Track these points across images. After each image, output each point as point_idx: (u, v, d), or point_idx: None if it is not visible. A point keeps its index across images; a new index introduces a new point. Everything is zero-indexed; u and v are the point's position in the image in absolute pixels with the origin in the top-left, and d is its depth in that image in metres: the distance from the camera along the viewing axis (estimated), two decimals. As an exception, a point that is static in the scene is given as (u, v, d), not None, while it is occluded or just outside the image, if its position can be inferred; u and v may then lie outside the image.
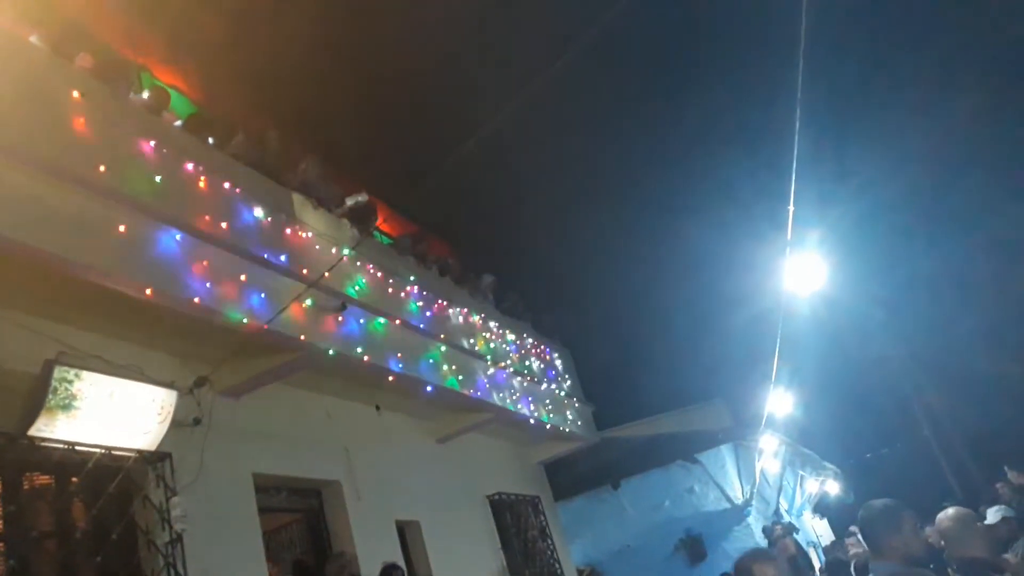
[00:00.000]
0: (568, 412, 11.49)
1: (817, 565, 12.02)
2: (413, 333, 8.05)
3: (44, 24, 5.23)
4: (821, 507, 18.91)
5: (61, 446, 4.77)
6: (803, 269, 6.51)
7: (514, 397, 9.82)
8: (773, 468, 15.05)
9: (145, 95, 5.66)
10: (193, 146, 6.02)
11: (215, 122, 6.82)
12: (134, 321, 5.36)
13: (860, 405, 22.26)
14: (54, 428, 4.71)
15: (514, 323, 11.04)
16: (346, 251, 7.12)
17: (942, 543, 4.59)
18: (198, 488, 5.63)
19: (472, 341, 9.35)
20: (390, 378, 7.51)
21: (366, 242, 7.76)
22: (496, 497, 10.16)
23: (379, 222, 9.11)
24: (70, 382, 4.75)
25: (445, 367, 8.45)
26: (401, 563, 7.26)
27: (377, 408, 8.47)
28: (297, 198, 7.05)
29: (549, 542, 11.16)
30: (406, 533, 8.30)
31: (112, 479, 5.05)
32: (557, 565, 11.01)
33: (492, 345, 9.90)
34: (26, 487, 4.74)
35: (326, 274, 6.39)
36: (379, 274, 7.91)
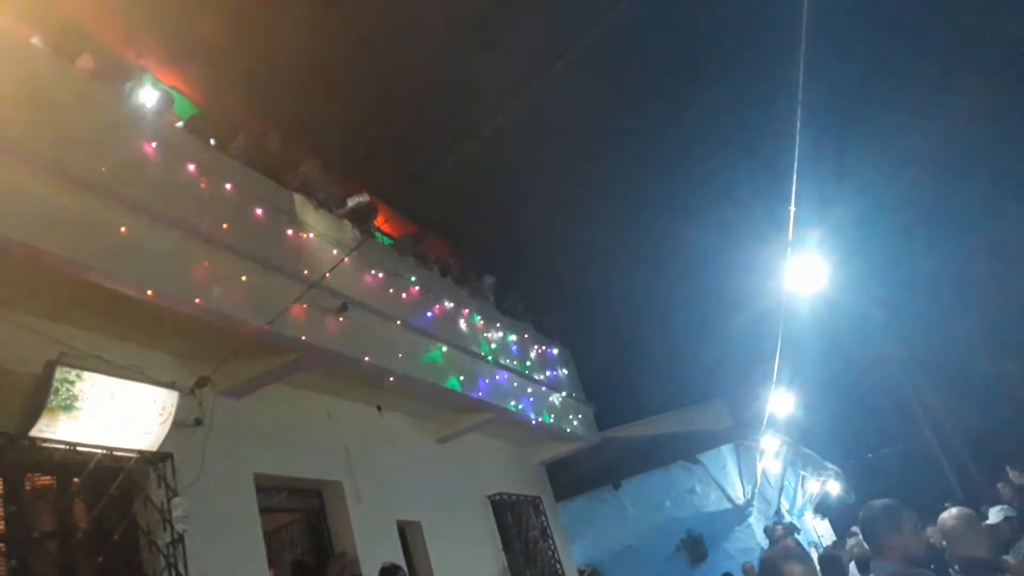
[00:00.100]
0: (569, 412, 11.49)
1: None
2: (414, 333, 8.06)
3: (45, 25, 5.24)
4: (822, 507, 18.92)
5: (62, 447, 4.77)
6: (804, 269, 6.52)
7: (515, 397, 9.82)
8: (774, 468, 15.06)
9: (147, 96, 5.65)
10: (194, 147, 6.02)
11: (216, 123, 6.82)
12: (135, 322, 5.37)
13: (861, 405, 22.26)
14: (55, 429, 4.71)
15: (515, 323, 11.04)
16: (347, 251, 7.12)
17: (943, 543, 4.59)
18: (199, 488, 5.64)
19: (473, 341, 9.34)
20: (391, 379, 7.52)
21: (367, 243, 7.77)
22: (497, 497, 10.16)
23: (380, 222, 9.13)
24: (71, 383, 4.75)
25: (446, 368, 8.46)
26: (402, 563, 7.27)
27: (378, 408, 8.48)
28: (298, 199, 7.05)
29: (550, 542, 11.16)
30: (407, 533, 8.31)
31: (113, 479, 5.06)
32: (558, 565, 11.02)
33: (493, 345, 9.91)
34: (27, 488, 4.74)
35: (327, 275, 6.40)
36: (380, 275, 7.91)
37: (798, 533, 13.47)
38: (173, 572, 5.20)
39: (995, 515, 6.60)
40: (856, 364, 21.14)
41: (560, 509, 12.63)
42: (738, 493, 14.16)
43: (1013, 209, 16.49)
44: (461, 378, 8.65)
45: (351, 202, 7.99)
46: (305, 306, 6.26)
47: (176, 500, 5.38)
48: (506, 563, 9.71)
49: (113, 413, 5.01)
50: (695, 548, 13.85)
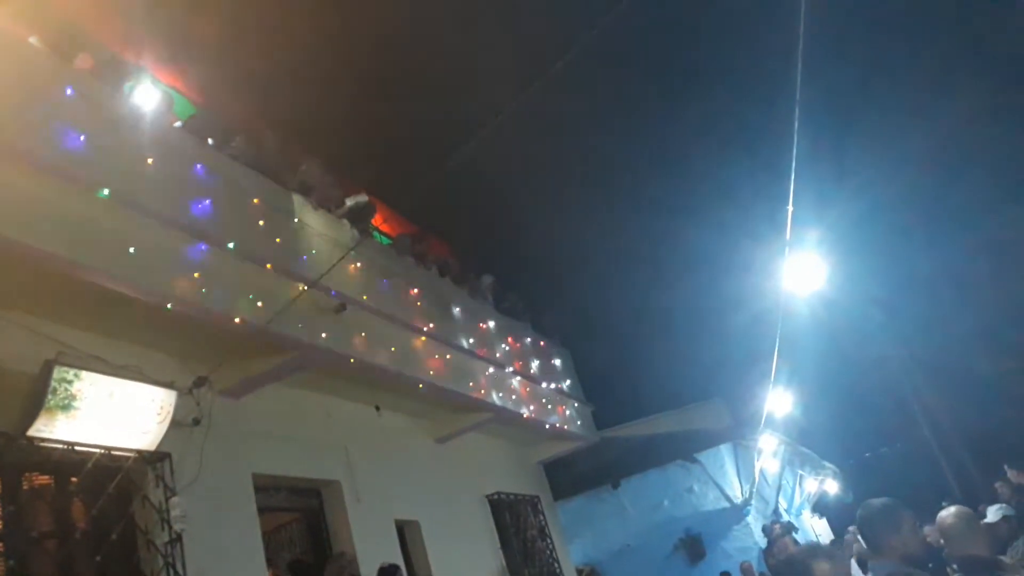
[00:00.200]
0: (567, 412, 11.50)
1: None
2: (412, 333, 8.06)
3: (43, 25, 5.23)
4: (820, 506, 18.92)
5: (60, 446, 4.77)
6: (802, 269, 6.52)
7: (513, 397, 9.82)
8: (772, 467, 15.06)
9: (146, 96, 5.65)
10: (193, 147, 6.02)
11: (215, 123, 6.81)
12: (133, 321, 5.37)
13: (859, 405, 22.24)
14: (54, 428, 4.71)
15: (513, 323, 11.04)
16: (345, 251, 7.12)
17: (942, 542, 4.59)
18: (197, 488, 5.64)
19: (472, 341, 9.34)
20: (392, 376, 7.52)
21: (366, 242, 7.77)
22: (495, 497, 10.17)
23: (378, 222, 9.13)
24: (69, 382, 4.75)
25: (445, 367, 8.45)
26: (400, 563, 7.27)
27: (377, 408, 8.48)
28: (297, 199, 7.05)
29: (548, 542, 11.16)
30: (405, 533, 8.31)
31: (111, 479, 5.06)
32: (556, 565, 11.02)
33: (491, 345, 9.91)
34: (26, 487, 4.75)
35: (326, 274, 6.40)
36: (378, 274, 7.91)
37: (796, 532, 13.46)
38: (171, 572, 5.20)
39: (993, 514, 6.60)
40: (854, 363, 21.14)
41: (558, 508, 12.63)
42: (736, 492, 14.16)
43: (1012, 209, 16.51)
44: (460, 377, 8.65)
45: (350, 202, 7.99)
46: (304, 306, 6.26)
47: (174, 500, 5.38)
48: (504, 562, 9.71)
49: (111, 413, 5.01)
50: (693, 547, 13.85)
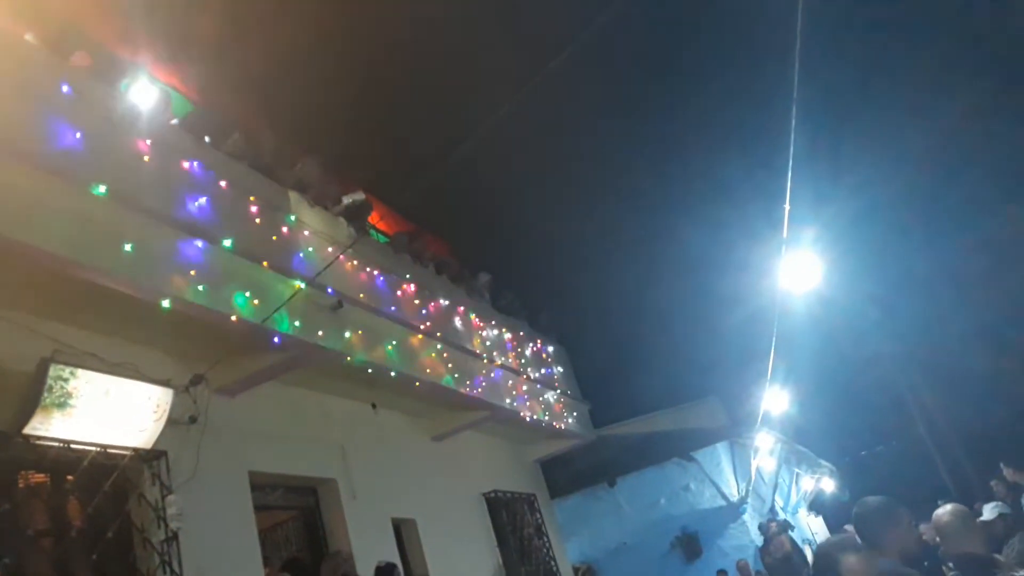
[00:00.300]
0: (564, 410, 11.50)
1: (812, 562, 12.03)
2: (409, 331, 8.05)
3: (39, 22, 5.21)
4: (816, 505, 18.94)
5: (56, 444, 4.76)
6: (798, 267, 6.52)
7: (510, 395, 9.82)
8: (768, 466, 15.07)
9: (143, 94, 5.63)
10: (189, 144, 6.01)
11: (212, 121, 6.80)
12: (129, 319, 5.36)
13: (855, 403, 22.29)
14: (49, 426, 4.70)
15: (510, 321, 11.04)
16: (342, 249, 7.11)
17: (937, 539, 4.60)
18: (194, 486, 5.63)
19: (468, 339, 9.34)
20: (392, 374, 7.51)
21: (363, 240, 7.76)
22: (492, 495, 10.17)
23: (375, 220, 9.12)
24: (65, 380, 4.74)
25: (441, 365, 8.45)
26: (397, 561, 7.27)
27: (373, 406, 8.47)
28: (293, 196, 7.04)
29: (545, 540, 11.17)
30: (402, 531, 8.31)
31: (108, 477, 5.05)
32: (553, 563, 11.03)
33: (488, 343, 9.90)
34: (21, 485, 4.73)
35: (322, 271, 6.39)
36: (375, 272, 7.90)
37: (792, 530, 13.48)
38: (167, 570, 5.19)
39: (989, 512, 6.62)
40: (851, 362, 21.18)
41: (555, 506, 12.64)
42: (732, 490, 14.18)
43: (1008, 207, 16.54)
44: (456, 376, 8.65)
45: (346, 199, 7.98)
46: (300, 304, 6.25)
47: (170, 498, 5.37)
48: (501, 561, 9.71)
49: (107, 411, 5.00)
50: (690, 545, 13.87)
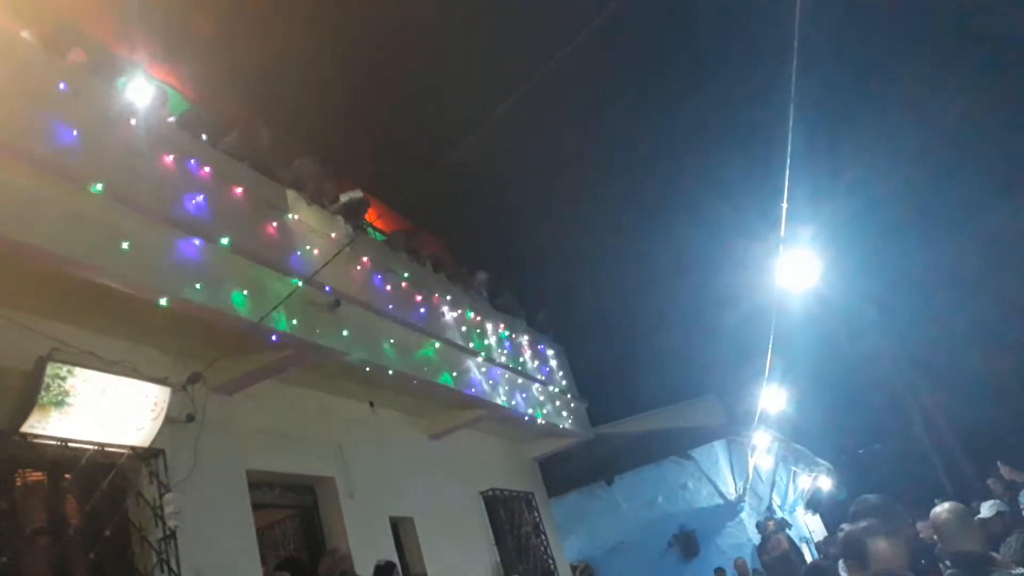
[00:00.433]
0: (562, 408, 11.50)
1: (809, 559, 12.06)
2: (407, 330, 8.05)
3: (36, 19, 5.20)
4: (813, 503, 18.96)
5: (54, 443, 4.76)
6: (796, 266, 6.52)
7: (508, 394, 9.82)
8: (766, 464, 15.08)
9: (139, 91, 5.62)
10: (186, 142, 6.00)
11: (209, 119, 6.79)
12: (127, 317, 5.35)
13: (853, 401, 22.34)
14: (47, 425, 4.69)
15: (508, 319, 11.03)
16: (339, 247, 7.10)
17: (935, 538, 4.61)
18: (191, 484, 5.62)
19: (466, 337, 9.34)
20: (389, 372, 7.50)
21: (360, 238, 7.75)
22: (490, 493, 10.17)
23: (372, 218, 9.11)
24: (63, 378, 4.73)
25: (439, 364, 8.45)
26: (395, 559, 7.27)
27: (371, 405, 8.47)
28: (291, 194, 7.03)
29: (543, 538, 11.17)
30: (400, 529, 8.30)
31: (105, 476, 5.05)
32: (551, 561, 11.03)
33: (486, 341, 9.90)
34: (19, 484, 4.73)
35: (320, 270, 6.38)
36: (372, 270, 7.90)
37: (789, 528, 13.51)
38: (165, 568, 5.19)
39: (988, 509, 6.64)
40: (848, 360, 21.23)
41: (553, 505, 12.64)
42: (730, 489, 14.19)
43: (1005, 205, 16.57)
44: (454, 374, 8.64)
45: (344, 197, 7.97)
46: (297, 302, 6.24)
47: (168, 496, 5.37)
48: (499, 559, 9.72)
49: (105, 409, 4.99)
50: (687, 543, 13.87)
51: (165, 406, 5.41)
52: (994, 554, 5.21)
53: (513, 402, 9.88)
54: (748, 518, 13.87)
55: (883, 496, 3.75)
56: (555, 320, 12.75)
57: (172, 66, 7.79)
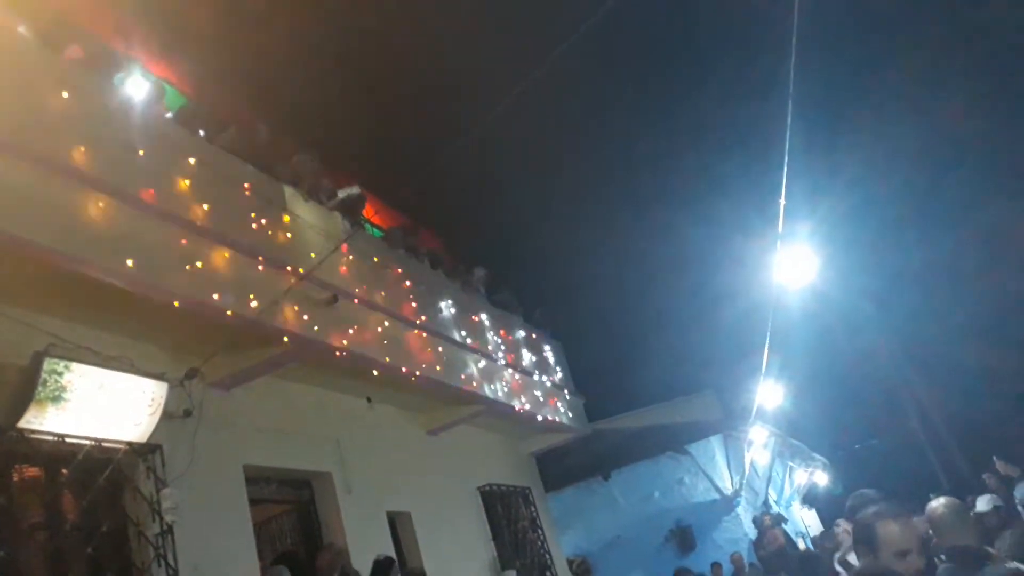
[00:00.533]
0: (559, 404, 11.52)
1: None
2: (404, 325, 8.05)
3: (33, 15, 5.19)
4: (810, 498, 19.01)
5: (51, 438, 4.76)
6: (794, 262, 6.52)
7: (505, 389, 9.83)
8: (762, 459, 15.12)
9: (136, 87, 5.61)
10: (183, 138, 5.99)
11: (206, 115, 6.78)
12: (124, 313, 5.35)
13: (849, 397, 22.38)
14: (44, 420, 4.69)
15: (506, 316, 11.04)
16: (337, 243, 7.10)
17: (930, 532, 4.62)
18: (189, 480, 5.62)
19: (463, 333, 9.34)
20: (375, 371, 7.50)
21: (357, 234, 7.75)
22: (487, 488, 10.19)
23: (370, 214, 9.10)
24: (60, 374, 4.73)
25: (436, 359, 8.45)
26: (392, 554, 7.28)
27: (368, 400, 8.47)
28: (288, 190, 7.02)
29: (540, 533, 11.19)
30: (397, 524, 8.32)
31: (102, 471, 5.05)
32: (547, 556, 11.05)
33: (483, 337, 9.90)
34: (16, 479, 4.73)
35: (317, 266, 6.38)
36: (370, 267, 7.89)
37: (785, 523, 13.54)
38: (162, 563, 5.19)
39: (983, 504, 6.66)
40: (845, 356, 21.27)
41: (550, 500, 12.67)
42: (726, 484, 14.22)
43: (1003, 202, 16.60)
44: (451, 369, 8.65)
45: (341, 194, 7.96)
46: (295, 298, 6.24)
47: (165, 491, 5.37)
48: (496, 554, 9.74)
49: (102, 404, 4.99)
50: (684, 538, 13.91)
51: (162, 401, 5.41)
52: (990, 549, 5.24)
53: (510, 398, 9.89)
54: (744, 513, 13.90)
55: (879, 492, 3.77)
56: (552, 316, 12.76)
57: (169, 62, 7.77)
